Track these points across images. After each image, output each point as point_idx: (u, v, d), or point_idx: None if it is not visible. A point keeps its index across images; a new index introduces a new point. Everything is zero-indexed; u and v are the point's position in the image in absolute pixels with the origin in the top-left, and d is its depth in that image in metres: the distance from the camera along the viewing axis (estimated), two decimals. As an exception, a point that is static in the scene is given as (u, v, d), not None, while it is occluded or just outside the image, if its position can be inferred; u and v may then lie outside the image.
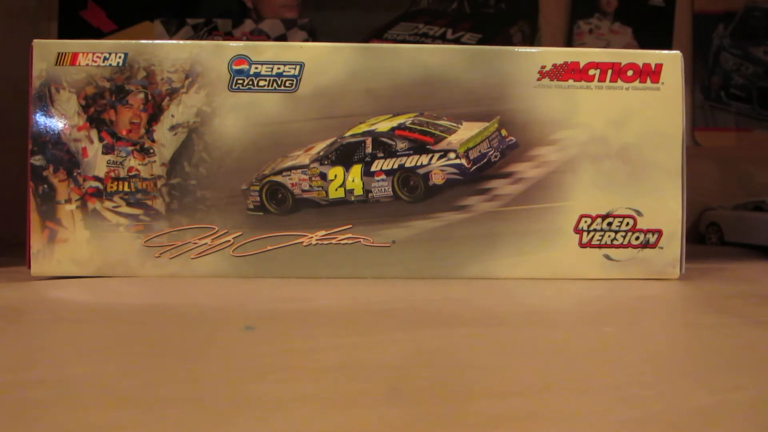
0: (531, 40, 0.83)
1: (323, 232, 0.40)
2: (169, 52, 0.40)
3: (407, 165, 0.40)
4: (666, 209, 0.40)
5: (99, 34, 0.80)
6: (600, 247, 0.40)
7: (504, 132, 0.40)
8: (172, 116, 0.40)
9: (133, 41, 0.40)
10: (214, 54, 0.40)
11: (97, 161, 0.40)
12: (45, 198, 0.39)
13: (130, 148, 0.40)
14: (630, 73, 0.40)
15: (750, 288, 0.39)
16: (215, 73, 0.40)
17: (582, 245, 0.40)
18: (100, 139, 0.40)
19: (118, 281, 0.38)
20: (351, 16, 0.83)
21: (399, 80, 0.40)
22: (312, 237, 0.40)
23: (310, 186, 0.40)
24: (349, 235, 0.40)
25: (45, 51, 0.39)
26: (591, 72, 0.40)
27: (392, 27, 0.82)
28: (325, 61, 0.40)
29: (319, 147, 0.40)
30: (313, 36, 0.80)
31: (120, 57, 0.40)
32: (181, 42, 0.40)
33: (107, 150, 0.40)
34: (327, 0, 0.83)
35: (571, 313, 0.31)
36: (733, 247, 0.72)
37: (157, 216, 0.40)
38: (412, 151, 0.40)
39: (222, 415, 0.16)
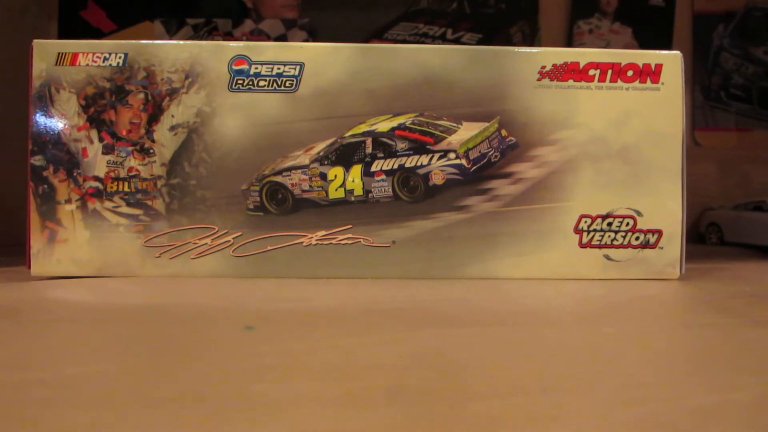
0: (531, 40, 0.83)
1: (323, 232, 0.40)
2: (169, 52, 0.40)
3: (407, 165, 0.40)
4: (666, 209, 0.40)
5: (99, 34, 0.80)
6: (600, 247, 0.40)
7: (504, 132, 0.40)
8: (172, 116, 0.40)
9: (133, 41, 0.40)
10: (214, 54, 0.40)
11: (97, 161, 0.40)
12: (45, 198, 0.39)
13: (130, 148, 0.40)
14: (630, 73, 0.40)
15: (750, 288, 0.39)
16: (215, 73, 0.40)
17: (582, 245, 0.40)
18: (100, 139, 0.40)
19: (118, 281, 0.38)
20: (351, 16, 0.83)
21: (399, 80, 0.40)
22: (312, 237, 0.40)
23: (310, 186, 0.40)
24: (349, 235, 0.40)
25: (45, 51, 0.39)
26: (591, 72, 0.40)
27: (392, 27, 0.82)
28: (325, 61, 0.40)
29: (319, 147, 0.40)
30: (313, 36, 0.80)
31: (120, 57, 0.40)
32: (181, 42, 0.40)
33: (107, 150, 0.40)
34: (327, 0, 0.83)
35: (571, 314, 0.31)
36: (733, 247, 0.72)
37: (157, 216, 0.40)
38: (412, 152, 0.40)
39: (222, 415, 0.16)
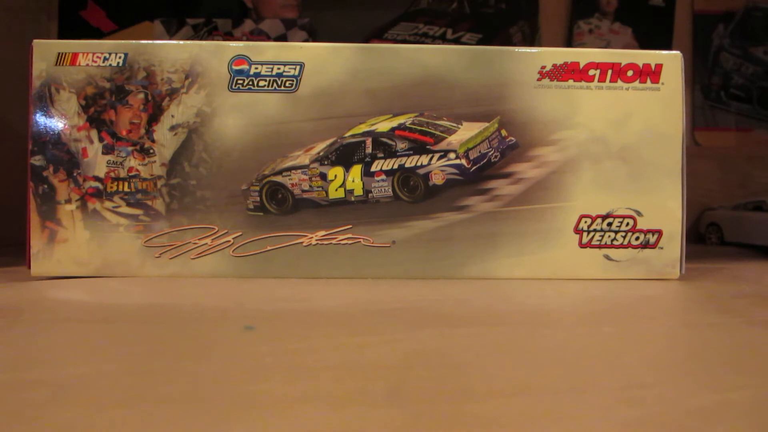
0: (531, 40, 0.83)
1: (323, 232, 0.40)
2: (169, 52, 0.40)
3: (407, 165, 0.40)
4: (666, 209, 0.40)
5: (99, 34, 0.80)
6: (600, 247, 0.40)
7: (504, 132, 0.40)
8: (172, 116, 0.40)
9: (133, 41, 0.40)
10: (214, 54, 0.40)
11: (97, 161, 0.40)
12: (45, 198, 0.39)
13: (130, 148, 0.40)
14: (630, 73, 0.40)
15: (750, 288, 0.39)
16: (215, 73, 0.40)
17: (582, 245, 0.40)
18: (100, 139, 0.40)
19: (118, 281, 0.38)
20: (351, 16, 0.83)
21: (399, 80, 0.40)
22: (312, 237, 0.40)
23: (310, 186, 0.40)
24: (349, 235, 0.40)
25: (45, 51, 0.39)
26: (591, 72, 0.40)
27: (392, 27, 0.82)
28: (325, 61, 0.40)
29: (319, 147, 0.40)
30: (313, 36, 0.80)
31: (120, 57, 0.40)
32: (181, 42, 0.40)
33: (107, 150, 0.40)
34: (327, 0, 0.83)
35: (571, 314, 0.31)
36: (733, 247, 0.72)
37: (157, 216, 0.40)
38: (412, 152, 0.40)
39: (222, 415, 0.16)
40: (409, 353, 0.22)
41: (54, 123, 0.39)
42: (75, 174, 0.40)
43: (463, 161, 0.40)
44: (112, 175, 0.40)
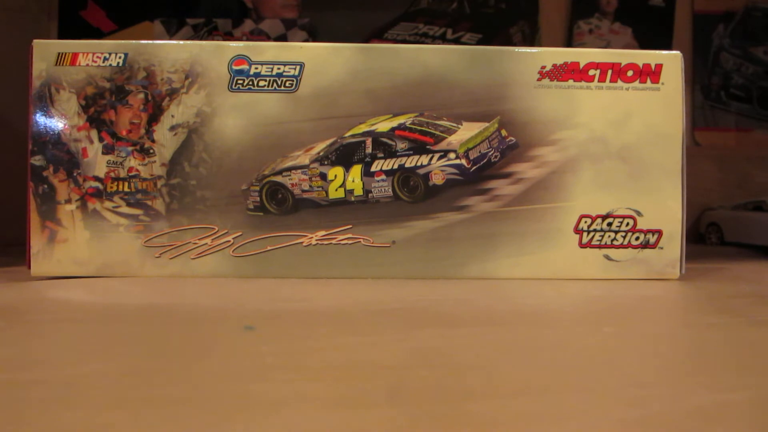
0: (531, 40, 0.83)
1: (323, 232, 0.40)
2: (169, 52, 0.40)
3: (407, 165, 0.40)
4: (666, 209, 0.40)
5: (99, 34, 0.80)
6: (600, 247, 0.40)
7: (504, 132, 0.40)
8: (172, 116, 0.40)
9: (133, 41, 0.40)
10: (214, 54, 0.40)
11: (97, 161, 0.40)
12: (45, 198, 0.39)
13: (130, 148, 0.40)
14: (630, 73, 0.40)
15: (750, 288, 0.39)
16: (215, 73, 0.40)
17: (582, 245, 0.40)
18: (100, 139, 0.40)
19: (118, 281, 0.38)
20: (351, 16, 0.83)
21: (399, 80, 0.40)
22: (312, 237, 0.40)
23: (310, 186, 0.40)
24: (349, 235, 0.40)
25: (45, 51, 0.39)
26: (591, 72, 0.40)
27: (392, 27, 0.82)
28: (325, 61, 0.40)
29: (319, 147, 0.40)
30: (313, 36, 0.80)
31: (120, 57, 0.40)
32: (181, 42, 0.40)
33: (107, 150, 0.40)
34: (327, 0, 0.83)
35: (571, 314, 0.31)
36: (733, 247, 0.72)
37: (157, 216, 0.40)
38: (412, 152, 0.40)
39: (222, 415, 0.16)
40: (409, 353, 0.22)
41: (54, 123, 0.39)
42: (75, 174, 0.40)
43: (463, 161, 0.40)
44: (112, 175, 0.40)
